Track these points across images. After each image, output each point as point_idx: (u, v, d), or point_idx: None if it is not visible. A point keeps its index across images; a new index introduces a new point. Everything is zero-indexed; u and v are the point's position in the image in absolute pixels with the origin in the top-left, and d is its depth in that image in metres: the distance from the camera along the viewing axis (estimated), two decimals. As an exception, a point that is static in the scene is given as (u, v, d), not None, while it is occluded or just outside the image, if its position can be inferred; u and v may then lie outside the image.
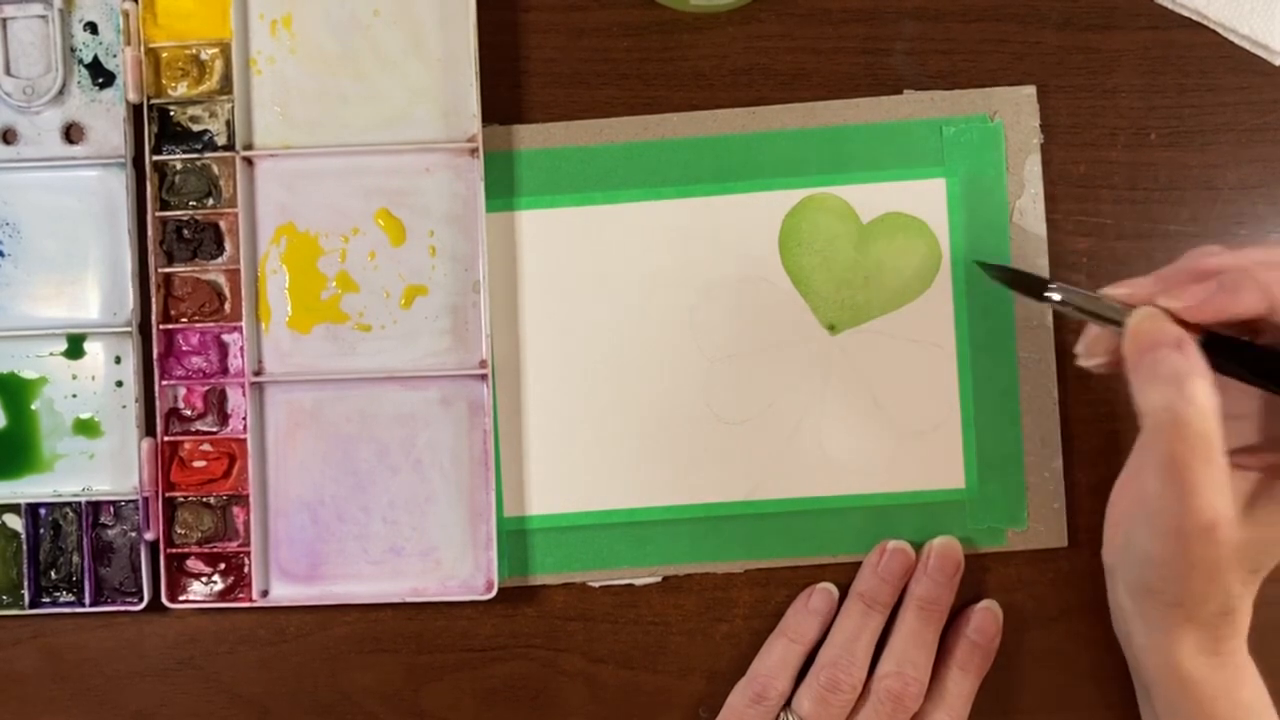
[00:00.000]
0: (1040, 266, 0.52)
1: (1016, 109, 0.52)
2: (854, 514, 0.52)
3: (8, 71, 0.52)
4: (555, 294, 0.53)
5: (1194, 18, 0.52)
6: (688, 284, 0.52)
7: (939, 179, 0.52)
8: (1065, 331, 0.52)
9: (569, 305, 0.52)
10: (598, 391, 0.52)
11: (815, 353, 0.52)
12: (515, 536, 0.52)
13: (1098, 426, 0.52)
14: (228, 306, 0.53)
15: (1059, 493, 0.52)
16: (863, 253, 0.52)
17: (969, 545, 0.52)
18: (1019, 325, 0.52)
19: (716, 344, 0.52)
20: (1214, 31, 0.52)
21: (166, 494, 0.52)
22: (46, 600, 0.52)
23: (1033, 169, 0.52)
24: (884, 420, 0.52)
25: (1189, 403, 0.40)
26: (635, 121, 0.53)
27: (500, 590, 0.51)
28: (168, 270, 0.52)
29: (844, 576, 0.52)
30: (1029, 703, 0.52)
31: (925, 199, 0.52)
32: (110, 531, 0.52)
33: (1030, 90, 0.52)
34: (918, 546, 0.51)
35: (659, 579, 0.52)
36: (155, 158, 0.52)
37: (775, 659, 0.50)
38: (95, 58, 0.53)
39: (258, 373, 0.52)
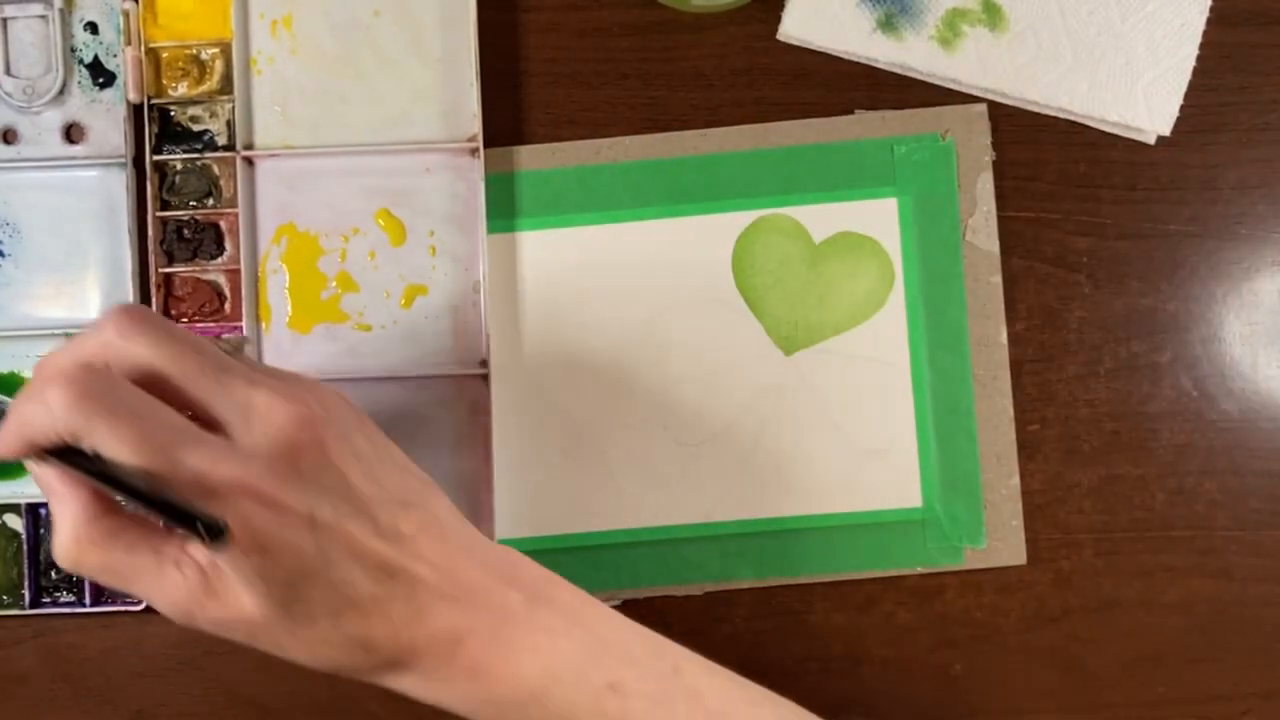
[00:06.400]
0: (993, 284, 0.52)
1: (968, 127, 0.52)
2: (811, 534, 0.52)
3: (8, 71, 0.52)
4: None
5: (1063, 116, 0.52)
6: (641, 307, 0.52)
7: (891, 198, 0.52)
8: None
9: (520, 331, 0.52)
10: (551, 416, 0.52)
11: (770, 373, 0.52)
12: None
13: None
14: (228, 306, 0.53)
15: (1016, 510, 0.52)
16: (816, 273, 0.52)
17: (928, 564, 0.52)
18: (973, 343, 0.52)
19: (672, 366, 0.52)
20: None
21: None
22: (46, 600, 0.52)
23: (984, 187, 0.52)
24: (840, 440, 0.52)
25: (56, 550, 0.40)
26: (587, 146, 0.53)
27: (500, 590, 0.51)
28: (168, 270, 0.52)
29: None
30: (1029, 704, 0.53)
31: (877, 218, 0.52)
32: (110, 531, 0.52)
33: (981, 108, 0.52)
34: (876, 568, 0.52)
35: (618, 603, 0.52)
36: (155, 158, 0.52)
37: None
38: (95, 58, 0.53)
39: (258, 373, 0.52)
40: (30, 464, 0.40)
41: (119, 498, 0.39)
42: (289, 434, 0.39)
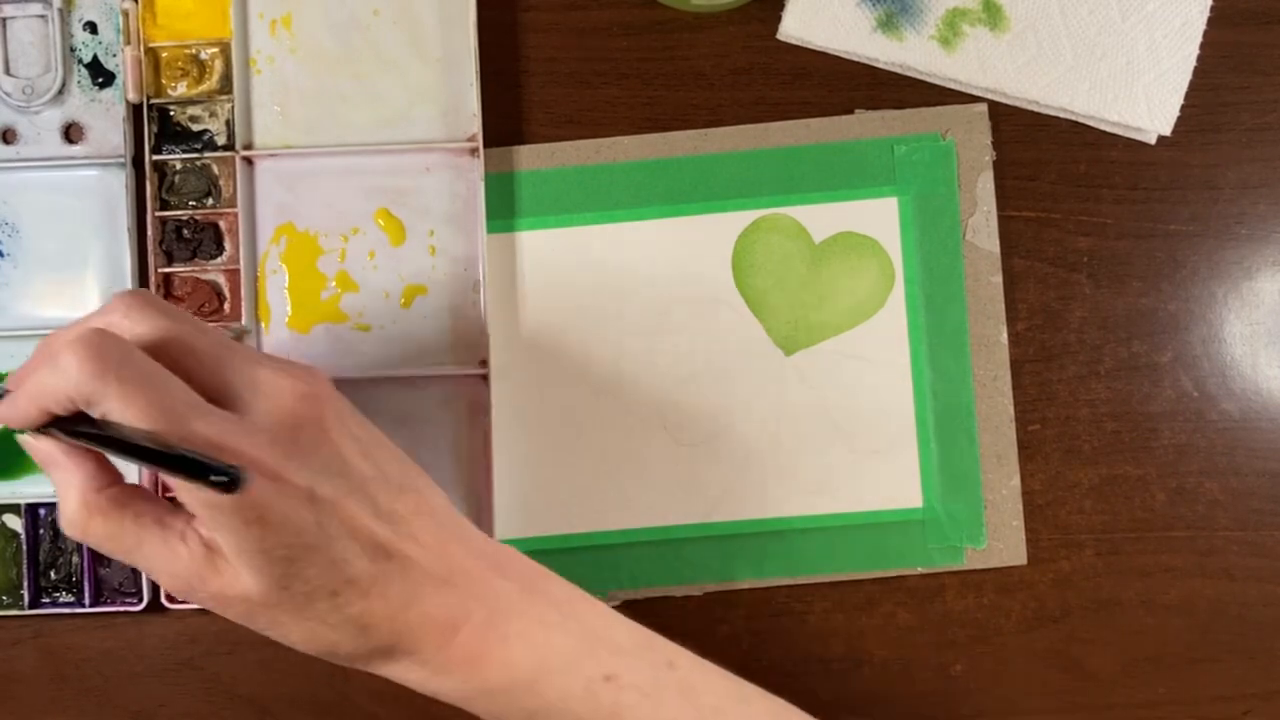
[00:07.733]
0: (994, 284, 0.52)
1: (968, 127, 0.52)
2: (812, 534, 0.52)
3: (7, 71, 0.52)
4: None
5: (1063, 115, 0.52)
6: (642, 307, 0.52)
7: (891, 198, 0.52)
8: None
9: (520, 331, 0.52)
10: (551, 416, 0.52)
11: (770, 373, 0.52)
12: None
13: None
14: (227, 306, 0.53)
15: (1017, 510, 0.52)
16: (816, 273, 0.52)
17: (928, 564, 0.52)
18: (974, 343, 0.52)
19: (672, 366, 0.52)
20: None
21: (166, 494, 0.52)
22: (46, 600, 0.52)
23: (985, 186, 0.52)
24: (840, 440, 0.52)
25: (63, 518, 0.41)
26: (586, 146, 0.53)
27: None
28: (167, 270, 0.52)
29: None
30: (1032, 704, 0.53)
31: (877, 218, 0.52)
32: (110, 531, 0.52)
33: (982, 108, 0.52)
34: (876, 568, 0.52)
35: (618, 603, 0.52)
36: (155, 157, 0.52)
37: None
38: (95, 57, 0.53)
39: (257, 373, 0.52)
40: (27, 438, 0.40)
41: (124, 461, 0.38)
42: (292, 409, 0.40)
